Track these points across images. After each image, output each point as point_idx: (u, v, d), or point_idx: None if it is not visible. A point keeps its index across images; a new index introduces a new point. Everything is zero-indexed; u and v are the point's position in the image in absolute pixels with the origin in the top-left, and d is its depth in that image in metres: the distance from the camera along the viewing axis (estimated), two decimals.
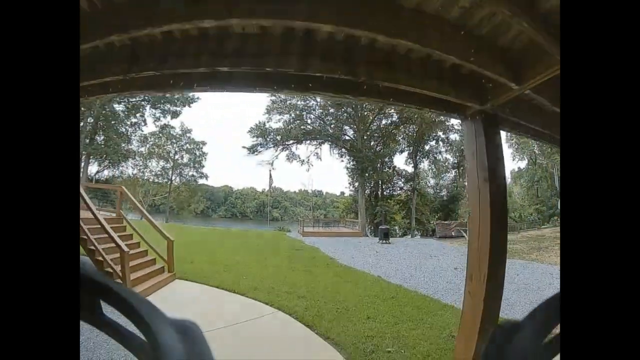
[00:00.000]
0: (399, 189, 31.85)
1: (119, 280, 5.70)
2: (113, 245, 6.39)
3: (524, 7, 1.81)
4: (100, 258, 6.45)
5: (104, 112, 25.96)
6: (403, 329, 5.04)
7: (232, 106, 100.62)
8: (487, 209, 2.56)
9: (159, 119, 30.72)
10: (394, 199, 31.27)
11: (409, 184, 30.81)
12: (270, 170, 31.55)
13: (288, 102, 28.53)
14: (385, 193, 31.11)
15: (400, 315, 5.69)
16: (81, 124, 24.47)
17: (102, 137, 27.21)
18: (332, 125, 29.21)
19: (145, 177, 34.77)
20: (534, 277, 9.53)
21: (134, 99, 28.48)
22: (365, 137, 28.36)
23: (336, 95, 2.69)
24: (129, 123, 29.45)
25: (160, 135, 33.78)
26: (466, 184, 33.50)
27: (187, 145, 36.59)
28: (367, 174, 27.92)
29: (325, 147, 29.27)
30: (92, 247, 6.54)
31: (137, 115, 29.61)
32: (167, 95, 27.88)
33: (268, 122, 28.89)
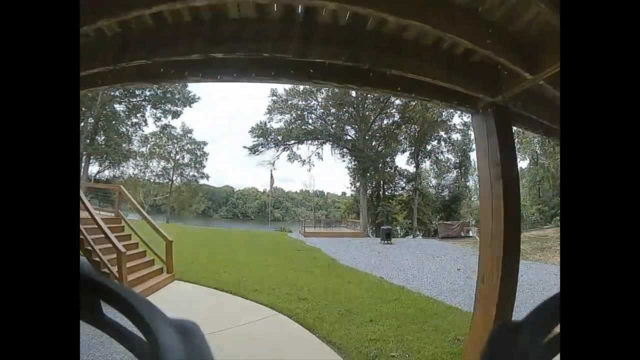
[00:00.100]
0: (400, 189, 31.72)
1: (115, 282, 5.57)
2: (110, 245, 6.26)
3: None
4: (98, 259, 6.32)
5: (104, 112, 25.89)
6: (407, 332, 4.89)
7: (228, 99, 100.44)
8: (500, 207, 2.40)
9: (160, 119, 30.65)
10: (395, 199, 31.15)
11: (410, 184, 30.67)
12: (271, 171, 31.47)
13: (289, 102, 28.46)
14: (386, 193, 30.99)
15: (403, 318, 5.53)
16: (81, 124, 24.41)
17: (102, 137, 27.13)
18: (333, 125, 29.09)
19: (146, 178, 34.75)
20: (538, 277, 9.40)
21: (134, 99, 28.45)
22: (366, 137, 28.21)
23: (339, 85, 2.53)
24: (129, 123, 29.38)
25: (161, 135, 33.73)
26: (468, 183, 33.54)
27: (188, 145, 36.52)
28: (368, 174, 27.79)
29: (327, 147, 29.15)
30: (89, 248, 6.41)
31: (138, 115, 29.53)
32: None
33: (269, 122, 28.83)
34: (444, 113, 29.04)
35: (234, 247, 13.22)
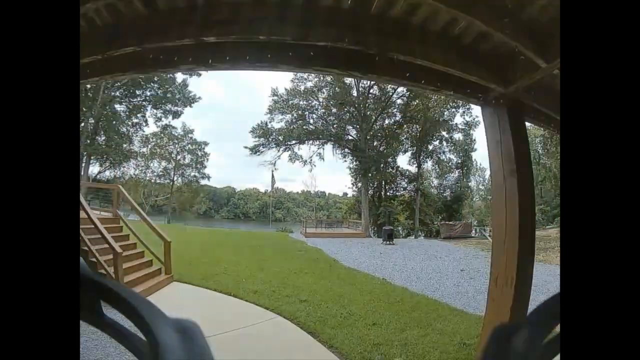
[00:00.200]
0: (402, 189, 31.55)
1: (115, 282, 5.43)
2: (107, 246, 6.12)
3: None
4: (94, 259, 6.18)
5: (105, 112, 25.80)
6: (411, 336, 4.73)
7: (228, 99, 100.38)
8: (515, 204, 2.24)
9: (160, 119, 30.52)
10: (397, 200, 30.96)
11: (412, 185, 30.47)
12: (272, 171, 31.33)
13: (290, 101, 28.34)
14: (388, 194, 30.82)
15: (407, 321, 5.37)
16: (82, 124, 24.34)
17: (103, 138, 27.04)
18: (334, 125, 28.94)
19: (147, 178, 34.69)
20: (542, 278, 9.19)
21: (135, 100, 28.38)
22: (368, 137, 28.05)
23: (342, 72, 2.36)
24: (130, 123, 29.29)
25: (162, 135, 33.64)
26: (470, 184, 33.30)
27: (189, 145, 36.43)
28: (370, 175, 27.62)
29: (328, 147, 28.99)
30: (85, 248, 6.27)
31: (139, 115, 29.44)
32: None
33: (270, 122, 28.69)
34: (445, 113, 28.90)
35: (235, 248, 13.07)
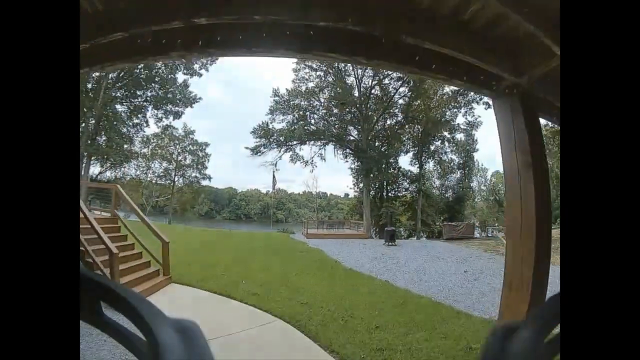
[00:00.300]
0: (404, 190, 31.36)
1: (115, 282, 5.31)
2: (104, 246, 5.99)
3: None
4: (90, 260, 6.05)
5: (105, 112, 25.72)
6: (415, 340, 4.56)
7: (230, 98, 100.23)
8: (530, 203, 2.07)
9: (161, 120, 30.40)
10: (399, 200, 30.79)
11: (414, 185, 30.30)
12: (273, 172, 31.15)
13: (292, 102, 28.22)
14: (390, 194, 30.65)
15: (411, 324, 5.21)
16: (83, 124, 24.27)
17: (104, 138, 26.95)
18: (336, 126, 28.78)
19: (148, 179, 34.61)
20: (553, 281, 9.03)
21: (136, 100, 28.30)
22: (369, 138, 27.87)
23: (345, 57, 2.19)
24: (131, 124, 29.20)
25: (163, 136, 33.56)
26: (472, 184, 33.05)
27: (190, 146, 36.33)
28: (372, 175, 27.44)
29: (330, 147, 28.80)
30: (82, 248, 6.14)
31: (139, 115, 29.35)
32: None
33: (271, 122, 28.54)
34: (447, 113, 28.74)
35: (235, 249, 12.93)
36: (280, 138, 28.10)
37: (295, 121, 28.35)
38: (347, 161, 29.04)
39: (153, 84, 28.07)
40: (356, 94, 27.65)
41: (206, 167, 37.09)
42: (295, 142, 28.39)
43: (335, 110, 28.40)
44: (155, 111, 29.70)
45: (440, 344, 4.49)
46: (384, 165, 28.37)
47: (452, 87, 26.92)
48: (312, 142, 28.52)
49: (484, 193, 40.20)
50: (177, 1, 1.87)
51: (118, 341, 0.38)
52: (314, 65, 27.65)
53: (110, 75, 25.41)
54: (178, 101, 29.31)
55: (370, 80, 27.51)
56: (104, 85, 24.61)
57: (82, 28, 2.16)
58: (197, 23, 1.86)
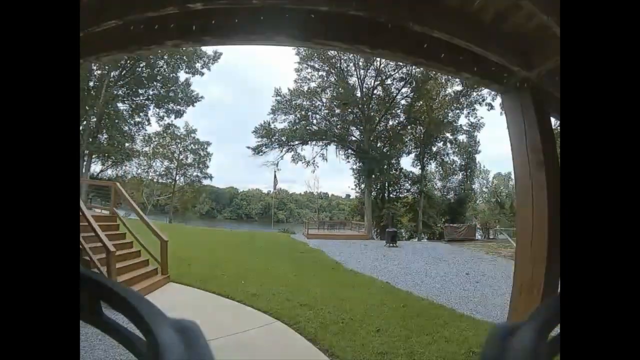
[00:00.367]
0: (405, 191, 31.28)
1: (115, 281, 5.23)
2: (101, 244, 5.90)
3: None
4: (87, 258, 5.96)
5: (107, 110, 25.70)
6: (417, 344, 4.45)
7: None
8: (543, 202, 1.97)
9: (163, 118, 30.36)
10: (400, 202, 30.69)
11: (415, 186, 30.19)
12: (275, 172, 31.08)
13: (294, 102, 28.16)
14: (391, 195, 30.55)
15: (413, 328, 5.09)
16: (84, 122, 24.26)
17: (105, 136, 26.92)
18: (338, 126, 28.70)
19: (150, 177, 34.61)
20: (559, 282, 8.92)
21: (137, 98, 28.28)
22: (371, 138, 27.79)
23: (347, 46, 2.06)
24: (132, 122, 29.17)
25: (165, 135, 33.54)
26: (474, 186, 32.86)
27: (192, 145, 36.32)
28: (373, 176, 27.33)
29: (331, 148, 28.72)
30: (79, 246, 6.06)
31: (141, 114, 29.33)
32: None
33: (273, 122, 28.48)
34: (450, 114, 28.62)
35: (235, 249, 12.86)
36: (282, 138, 28.05)
37: (297, 121, 28.30)
38: (348, 162, 29.02)
39: (155, 83, 28.06)
40: (358, 94, 27.57)
41: (207, 166, 37.13)
42: (297, 142, 28.34)
43: (338, 111, 28.34)
44: (157, 110, 29.70)
45: (442, 348, 4.38)
46: (385, 166, 28.29)
47: (455, 88, 26.87)
48: (313, 142, 28.47)
49: (485, 195, 40.10)
50: None
51: (118, 341, 0.37)
52: (317, 65, 27.61)
53: (112, 74, 25.42)
54: (180, 100, 29.28)
55: (373, 81, 27.45)
56: (106, 83, 24.60)
57: None
58: (192, 8, 1.77)
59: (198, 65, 28.23)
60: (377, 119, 28.04)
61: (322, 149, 28.85)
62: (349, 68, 27.40)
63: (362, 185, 28.82)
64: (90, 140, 24.85)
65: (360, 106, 27.28)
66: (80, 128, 23.59)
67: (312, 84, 28.30)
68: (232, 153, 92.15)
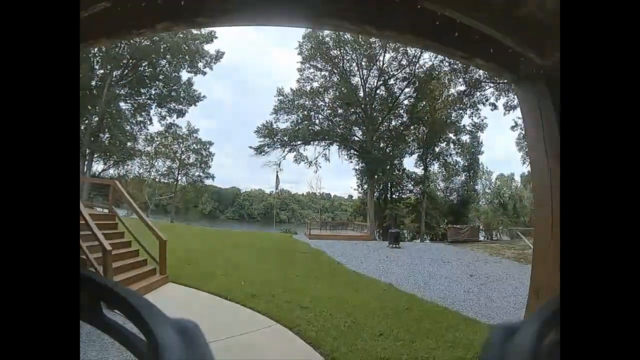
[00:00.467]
0: (408, 192, 31.06)
1: (115, 282, 5.11)
2: (98, 243, 5.78)
3: None
4: (84, 256, 5.84)
5: (109, 110, 25.66)
6: (422, 348, 4.30)
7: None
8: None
9: (165, 118, 30.28)
10: (403, 202, 30.48)
11: (418, 187, 29.97)
12: (277, 172, 30.92)
13: (296, 102, 28.04)
14: (394, 196, 30.33)
15: (417, 331, 4.94)
16: (86, 121, 24.24)
17: (107, 135, 26.89)
18: (340, 126, 28.53)
19: (152, 177, 34.57)
20: None
21: (140, 98, 28.24)
22: (374, 139, 27.59)
23: (353, 27, 1.89)
24: (134, 122, 29.13)
25: (167, 134, 33.47)
26: (477, 187, 32.59)
27: (194, 145, 36.26)
28: (376, 177, 27.14)
29: (334, 148, 28.55)
30: None
31: (143, 113, 29.28)
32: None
33: (275, 122, 28.35)
34: (453, 114, 28.41)
35: (236, 249, 12.72)
36: (285, 138, 27.91)
37: (299, 121, 28.14)
38: (351, 162, 28.81)
39: (157, 82, 28.02)
40: (361, 94, 27.40)
41: (210, 166, 37.02)
42: (299, 142, 28.19)
43: (340, 111, 28.18)
44: (159, 109, 29.63)
45: (447, 353, 4.23)
46: (388, 167, 28.09)
47: (458, 88, 26.64)
48: (316, 143, 28.30)
49: (488, 196, 39.74)
50: None
51: (118, 341, 0.37)
52: (319, 65, 27.49)
53: (114, 73, 25.39)
54: (182, 99, 29.22)
55: (376, 81, 27.27)
56: (108, 83, 24.56)
57: None
58: None
59: (200, 64, 28.17)
60: (380, 119, 27.85)
61: (324, 149, 28.71)
62: (351, 68, 27.26)
63: (365, 186, 28.62)
64: (92, 139, 24.81)
65: (362, 106, 27.10)
66: (82, 127, 23.57)
67: (315, 84, 28.20)
68: (234, 153, 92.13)
